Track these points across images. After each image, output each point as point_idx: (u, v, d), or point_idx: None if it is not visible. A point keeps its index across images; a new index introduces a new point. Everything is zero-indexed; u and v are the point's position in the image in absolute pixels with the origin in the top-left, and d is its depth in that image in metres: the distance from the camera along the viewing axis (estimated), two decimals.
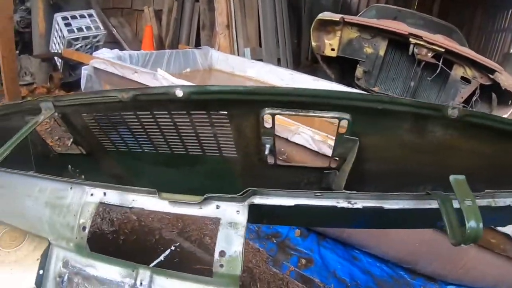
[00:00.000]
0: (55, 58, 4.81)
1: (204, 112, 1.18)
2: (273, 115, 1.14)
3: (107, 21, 5.67)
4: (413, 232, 2.56)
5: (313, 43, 4.99)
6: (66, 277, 1.20)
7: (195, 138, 1.28)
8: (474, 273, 2.78)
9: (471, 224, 0.90)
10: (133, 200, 1.23)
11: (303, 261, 2.84)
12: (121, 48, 5.39)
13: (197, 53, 4.62)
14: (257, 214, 1.16)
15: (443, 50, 4.43)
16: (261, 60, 5.48)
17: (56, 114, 1.26)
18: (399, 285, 2.82)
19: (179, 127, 1.25)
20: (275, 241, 3.00)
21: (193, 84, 1.19)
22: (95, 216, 1.28)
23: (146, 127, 1.28)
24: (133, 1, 6.13)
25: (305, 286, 2.65)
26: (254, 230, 3.06)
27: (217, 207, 1.13)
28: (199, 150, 1.34)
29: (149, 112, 1.22)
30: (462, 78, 4.59)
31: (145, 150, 1.39)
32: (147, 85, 3.08)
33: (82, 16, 4.86)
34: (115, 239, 2.44)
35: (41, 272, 1.21)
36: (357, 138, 1.18)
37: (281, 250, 2.90)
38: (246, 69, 4.64)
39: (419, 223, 1.38)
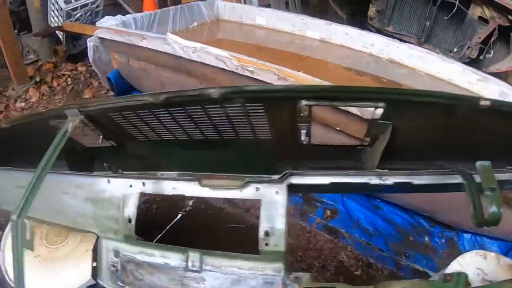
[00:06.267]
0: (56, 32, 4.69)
1: (239, 105, 1.15)
2: (310, 106, 1.11)
3: None
4: None
5: None
6: (119, 266, 1.28)
7: (229, 125, 1.27)
8: None
9: (493, 209, 0.99)
10: (173, 188, 1.29)
11: (328, 212, 2.90)
12: (122, 10, 5.18)
13: (202, 5, 4.38)
14: (294, 189, 1.25)
15: None
16: (269, 5, 5.14)
17: (83, 117, 1.24)
18: (419, 232, 2.91)
19: (213, 118, 1.23)
20: (300, 194, 3.04)
21: (228, 86, 1.15)
22: (139, 206, 1.30)
23: (178, 120, 1.26)
24: None
25: (331, 236, 2.75)
26: None
27: (257, 189, 1.21)
28: (233, 135, 1.32)
29: (181, 108, 1.19)
30: (480, 18, 4.37)
31: (178, 138, 1.38)
32: (158, 51, 2.99)
33: None
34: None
35: (94, 264, 1.29)
36: (390, 122, 1.16)
37: (307, 203, 2.93)
38: (255, 17, 4.39)
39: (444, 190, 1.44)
